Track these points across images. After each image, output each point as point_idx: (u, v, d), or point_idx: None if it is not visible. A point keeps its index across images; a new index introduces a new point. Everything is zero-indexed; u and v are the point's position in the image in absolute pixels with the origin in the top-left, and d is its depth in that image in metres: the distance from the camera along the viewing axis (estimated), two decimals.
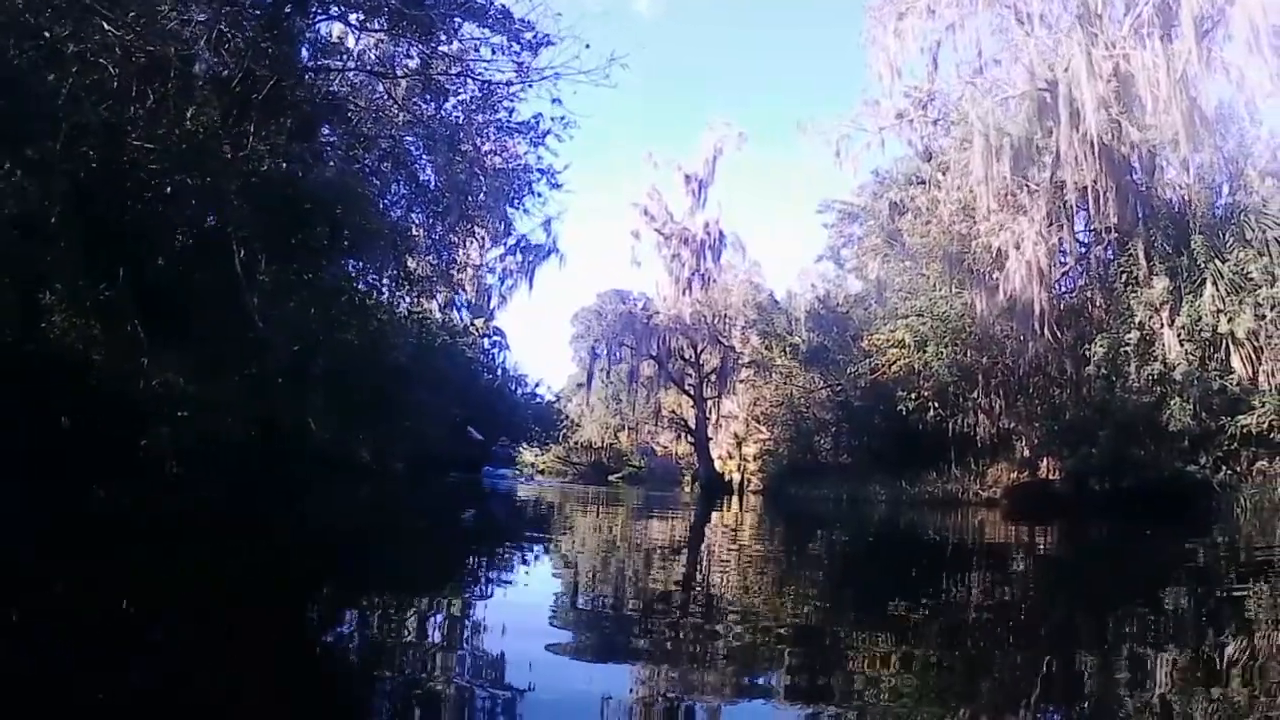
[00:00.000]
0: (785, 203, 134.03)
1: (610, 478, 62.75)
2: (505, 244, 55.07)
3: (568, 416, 62.75)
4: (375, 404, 26.32)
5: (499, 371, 54.26)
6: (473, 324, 52.82)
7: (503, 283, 56.47)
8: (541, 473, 70.54)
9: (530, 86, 24.35)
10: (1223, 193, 26.78)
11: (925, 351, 30.25)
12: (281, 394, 20.47)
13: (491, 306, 56.23)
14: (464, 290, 52.55)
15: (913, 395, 30.82)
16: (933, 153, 32.98)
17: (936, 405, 30.72)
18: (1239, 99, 25.95)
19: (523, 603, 7.29)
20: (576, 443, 68.58)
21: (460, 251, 50.07)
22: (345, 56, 24.45)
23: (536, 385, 57.62)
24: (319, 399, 22.53)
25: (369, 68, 24.50)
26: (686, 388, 52.95)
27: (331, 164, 24.04)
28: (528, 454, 69.37)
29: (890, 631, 6.39)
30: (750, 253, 54.09)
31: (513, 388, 54.90)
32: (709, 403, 52.84)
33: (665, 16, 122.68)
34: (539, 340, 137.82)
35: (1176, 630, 6.65)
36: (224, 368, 18.56)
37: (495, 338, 54.95)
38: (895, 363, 31.82)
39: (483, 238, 53.11)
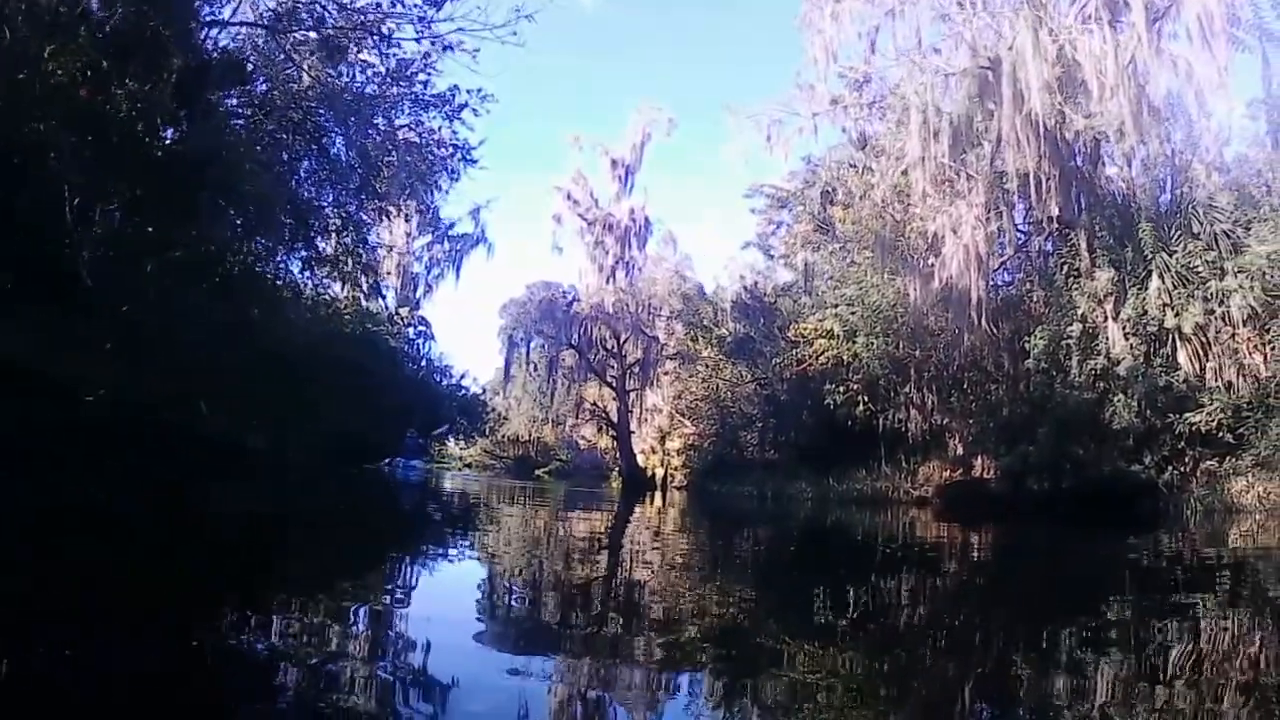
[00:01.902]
0: (722, 193, 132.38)
1: (537, 472, 60.62)
2: (433, 232, 53.13)
3: (494, 409, 60.03)
4: (277, 390, 23.71)
5: (424, 362, 51.58)
6: (397, 313, 50.42)
7: (429, 272, 54.30)
8: (469, 466, 68.40)
9: (434, 45, 22.81)
10: (1168, 186, 24.98)
11: (854, 342, 28.58)
12: (148, 371, 17.98)
13: (418, 296, 53.95)
14: (387, 277, 50.46)
15: (841, 388, 29.13)
16: (868, 139, 30.95)
17: (866, 399, 29.10)
18: (1188, 90, 24.11)
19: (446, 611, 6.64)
20: (504, 436, 66.07)
21: (385, 234, 48.27)
22: (239, 8, 22.42)
23: (462, 377, 54.75)
24: (198, 380, 19.93)
25: (264, 22, 22.34)
26: (608, 379, 50.41)
27: (234, 127, 22.23)
28: (454, 447, 67.15)
29: (812, 644, 5.97)
30: (683, 245, 52.11)
31: (438, 379, 52.16)
32: (632, 395, 50.40)
33: (608, 6, 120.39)
34: (471, 333, 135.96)
35: (1113, 642, 6.24)
36: (65, 334, 15.91)
37: (420, 327, 52.41)
38: (823, 354, 29.95)
39: (409, 228, 50.97)
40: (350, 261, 27.60)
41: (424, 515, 19.00)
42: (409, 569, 9.47)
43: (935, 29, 26.74)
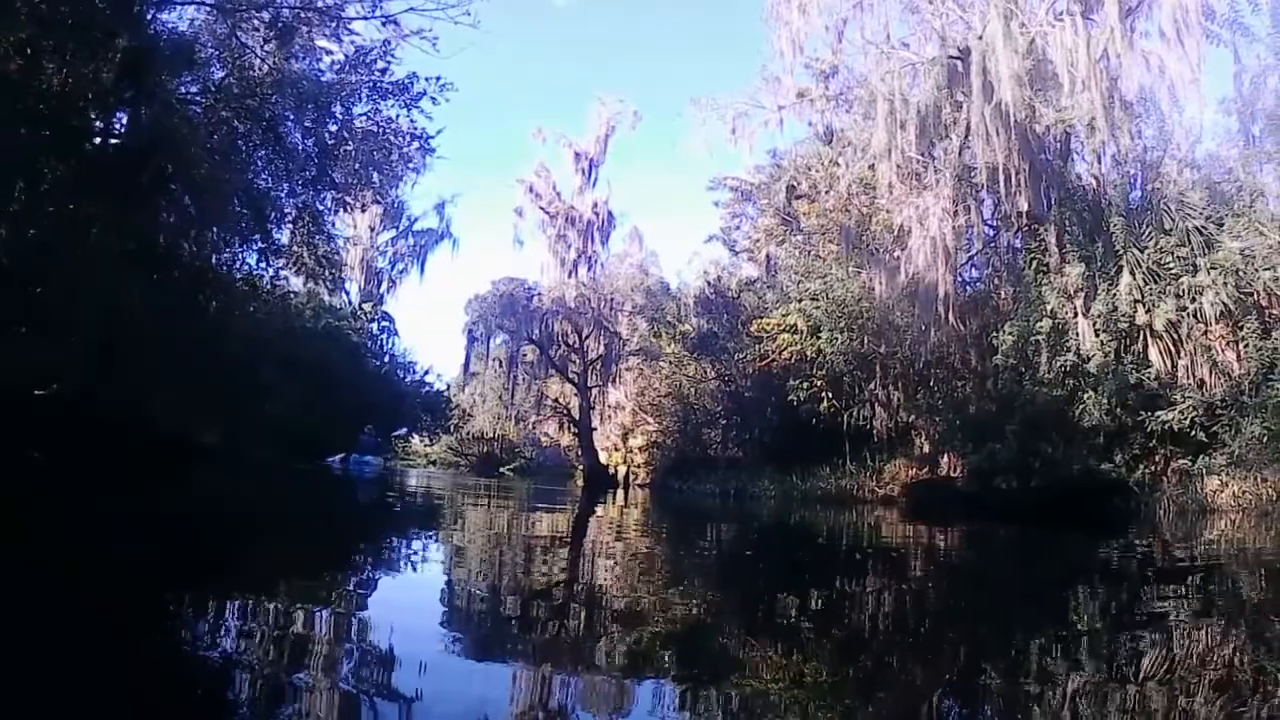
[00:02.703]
0: (689, 189, 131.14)
1: (501, 469, 59.40)
2: (396, 227, 52.33)
3: (458, 406, 58.81)
4: (231, 383, 22.72)
5: (387, 358, 50.47)
6: (360, 308, 49.42)
7: (393, 267, 53.44)
8: (433, 463, 67.16)
9: (387, 26, 22.63)
10: (1139, 182, 24.27)
11: (818, 338, 27.78)
12: (95, 362, 17.27)
13: (381, 291, 52.94)
14: (350, 272, 49.59)
15: (804, 385, 28.38)
16: (834, 133, 30.03)
17: (830, 396, 28.42)
18: (1160, 85, 23.35)
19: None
20: (468, 433, 64.76)
21: (349, 228, 47.37)
22: None
23: (425, 373, 53.82)
24: (148, 372, 18.96)
25: (213, 1, 21.62)
26: (570, 375, 49.34)
27: (187, 113, 21.29)
28: (418, 443, 65.99)
29: (770, 649, 5.60)
30: (659, 244, 51.41)
31: (401, 375, 51.07)
32: (593, 392, 49.37)
33: (583, 4, 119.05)
34: (438, 331, 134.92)
35: (1080, 644, 5.86)
36: None
37: (384, 323, 51.43)
38: (785, 349, 29.12)
39: (373, 221, 49.95)
40: (306, 252, 26.91)
41: (382, 516, 17.80)
42: (371, 568, 9.01)
43: (904, 23, 26.23)
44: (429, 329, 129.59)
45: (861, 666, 5.34)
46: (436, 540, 12.08)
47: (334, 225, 30.70)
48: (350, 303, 50.28)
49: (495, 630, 5.93)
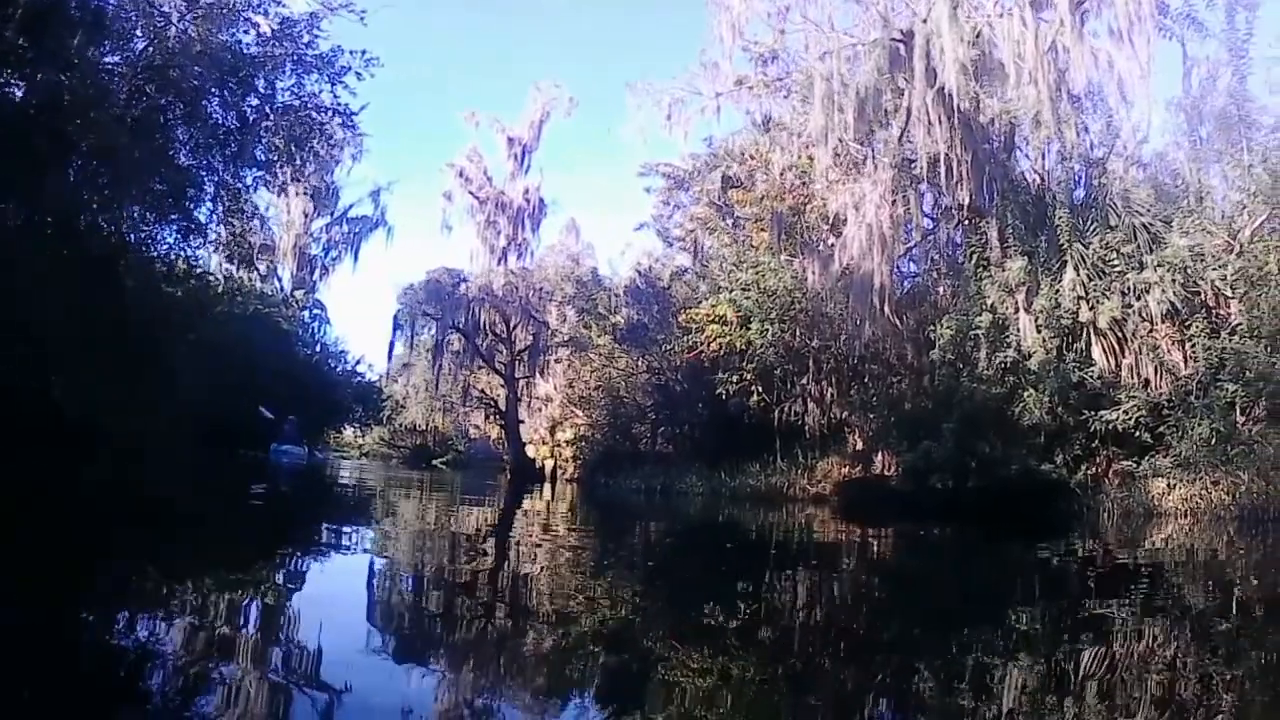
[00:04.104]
0: (632, 184, 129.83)
1: (434, 462, 57.50)
2: (332, 213, 50.52)
3: (390, 396, 56.78)
4: (146, 368, 21.04)
5: (318, 347, 48.36)
6: (292, 295, 47.37)
7: (327, 254, 51.40)
8: (366, 455, 65.35)
9: None
10: (1084, 179, 23.11)
11: (748, 329, 26.32)
12: None
13: (314, 278, 50.80)
14: (283, 258, 47.83)
15: (734, 378, 26.85)
16: (771, 121, 28.51)
17: (760, 390, 26.85)
18: (1109, 81, 22.19)
19: None
20: (400, 425, 62.85)
21: (283, 213, 45.38)
22: None
23: (357, 363, 51.87)
24: (45, 354, 17.69)
25: None
26: (497, 366, 47.58)
27: (102, 81, 20.17)
28: (350, 434, 64.09)
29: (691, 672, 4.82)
30: (593, 235, 49.37)
31: (332, 364, 48.99)
32: (521, 383, 47.51)
33: None
34: (372, 318, 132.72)
35: (1014, 654, 5.47)
36: None
37: (316, 311, 49.36)
38: (715, 340, 27.65)
39: (306, 206, 47.86)
40: (224, 231, 25.71)
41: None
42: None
43: (848, 15, 24.65)
44: (362, 318, 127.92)
45: (786, 677, 4.92)
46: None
47: (267, 209, 29.71)
48: (282, 289, 48.47)
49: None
